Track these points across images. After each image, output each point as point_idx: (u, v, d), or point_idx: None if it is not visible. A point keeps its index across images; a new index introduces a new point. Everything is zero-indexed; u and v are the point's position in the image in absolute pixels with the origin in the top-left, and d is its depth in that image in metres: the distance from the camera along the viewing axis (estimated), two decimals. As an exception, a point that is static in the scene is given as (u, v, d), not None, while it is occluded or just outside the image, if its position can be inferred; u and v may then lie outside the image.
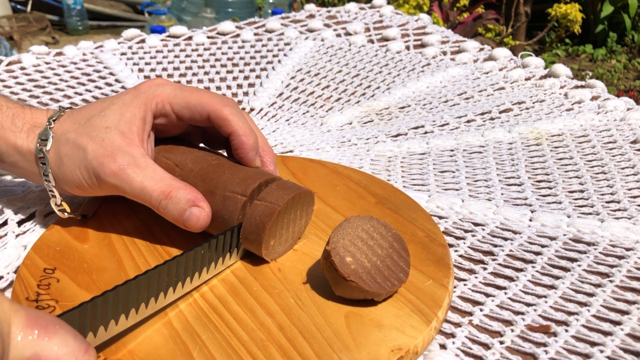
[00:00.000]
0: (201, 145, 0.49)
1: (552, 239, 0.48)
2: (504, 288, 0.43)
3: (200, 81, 0.80)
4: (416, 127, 0.68)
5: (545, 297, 0.42)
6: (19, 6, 3.57)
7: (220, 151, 0.49)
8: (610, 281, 0.43)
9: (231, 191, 0.41)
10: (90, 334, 0.33)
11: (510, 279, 0.44)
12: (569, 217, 0.51)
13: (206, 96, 0.44)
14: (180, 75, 0.82)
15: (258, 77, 0.82)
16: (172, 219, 0.41)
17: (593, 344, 0.38)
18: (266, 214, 0.39)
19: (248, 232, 0.40)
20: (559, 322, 0.40)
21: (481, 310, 0.41)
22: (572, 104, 0.72)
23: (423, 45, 0.92)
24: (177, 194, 0.41)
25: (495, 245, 0.48)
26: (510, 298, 0.42)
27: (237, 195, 0.41)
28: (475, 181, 0.57)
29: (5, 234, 0.48)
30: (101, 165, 0.41)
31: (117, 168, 0.41)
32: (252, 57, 0.88)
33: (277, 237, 0.41)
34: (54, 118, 0.44)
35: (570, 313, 0.41)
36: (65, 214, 0.45)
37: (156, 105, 0.44)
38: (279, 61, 0.86)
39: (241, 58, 0.87)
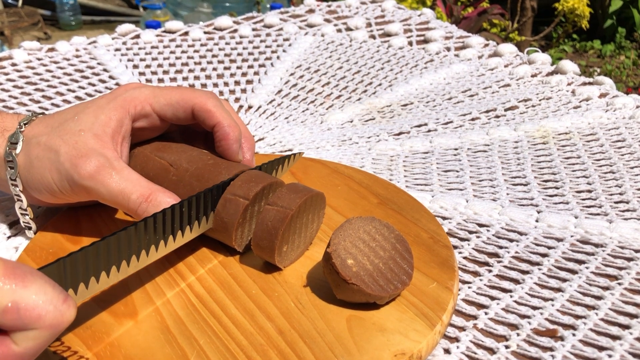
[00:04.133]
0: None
1: (559, 240, 0.48)
2: (510, 291, 0.43)
3: (196, 77, 0.80)
4: (419, 125, 0.68)
5: (552, 300, 0.42)
6: (10, 0, 3.57)
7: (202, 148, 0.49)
8: (619, 284, 0.44)
9: (233, 194, 0.41)
10: (70, 290, 0.33)
11: (516, 281, 0.44)
12: (576, 217, 0.51)
13: (187, 91, 0.45)
14: (176, 71, 0.82)
15: (256, 73, 0.82)
16: None
17: (601, 348, 0.38)
18: (278, 219, 0.39)
19: (260, 239, 0.40)
20: (566, 326, 0.40)
21: (486, 313, 0.41)
22: (580, 102, 0.72)
23: (426, 41, 0.92)
24: (157, 196, 0.41)
25: (501, 247, 0.48)
26: (516, 301, 0.42)
27: (239, 198, 0.41)
28: (480, 181, 0.57)
29: (-3, 236, 0.48)
30: (75, 167, 0.41)
31: (93, 169, 0.41)
32: (250, 53, 0.88)
33: (290, 242, 0.41)
34: (25, 122, 0.44)
35: (577, 316, 0.41)
36: (30, 222, 0.45)
37: (135, 108, 0.44)
38: (278, 57, 0.86)
39: (239, 54, 0.88)
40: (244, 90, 0.77)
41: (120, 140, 0.44)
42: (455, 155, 0.62)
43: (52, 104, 0.72)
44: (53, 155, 0.42)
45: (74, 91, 0.76)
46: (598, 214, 0.52)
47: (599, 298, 0.42)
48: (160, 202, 0.40)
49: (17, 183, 0.43)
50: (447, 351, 0.38)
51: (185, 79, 0.80)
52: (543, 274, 0.44)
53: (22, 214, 0.45)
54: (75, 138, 0.42)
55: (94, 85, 0.78)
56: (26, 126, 0.44)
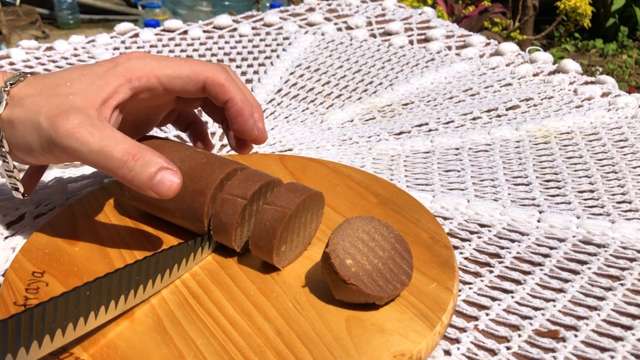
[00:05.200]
0: (188, 143, 0.49)
1: (561, 240, 0.48)
2: (511, 292, 0.43)
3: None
4: (420, 125, 0.68)
5: (553, 301, 0.42)
6: (7, -1, 3.57)
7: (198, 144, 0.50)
8: (622, 284, 0.43)
9: (230, 194, 0.41)
10: (59, 331, 0.33)
11: (518, 282, 0.44)
12: (578, 218, 0.51)
13: (197, 64, 0.42)
14: (175, 70, 0.82)
15: (256, 72, 0.82)
16: (139, 183, 0.38)
17: (603, 349, 0.38)
18: (277, 218, 0.39)
19: (258, 239, 0.40)
20: (568, 327, 0.40)
21: (487, 314, 0.41)
22: (582, 101, 0.72)
23: (427, 40, 0.92)
24: (145, 155, 0.38)
25: (502, 247, 0.47)
26: (517, 302, 0.42)
27: (237, 198, 0.40)
28: (481, 181, 0.57)
29: (-7, 236, 0.48)
30: (53, 125, 0.38)
31: (71, 126, 0.38)
32: (249, 52, 0.88)
33: (289, 242, 0.41)
34: (11, 82, 0.42)
35: (579, 317, 0.41)
36: (17, 183, 0.43)
37: (139, 80, 0.41)
38: (278, 56, 0.86)
39: (238, 53, 0.87)
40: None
41: (113, 106, 0.41)
42: (456, 155, 0.62)
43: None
44: (33, 115, 0.39)
45: None
46: (600, 214, 0.51)
47: (601, 299, 0.42)
48: (149, 160, 0.38)
49: (3, 144, 0.41)
50: (447, 352, 0.38)
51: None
52: (545, 274, 0.44)
53: (8, 175, 0.43)
54: (61, 99, 0.39)
55: (91, 84, 0.78)
56: (12, 86, 0.42)
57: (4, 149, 0.42)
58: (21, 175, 0.43)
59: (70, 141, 0.38)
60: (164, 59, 0.43)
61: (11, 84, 0.42)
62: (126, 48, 0.88)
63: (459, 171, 0.59)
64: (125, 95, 0.41)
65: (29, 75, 0.43)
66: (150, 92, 0.42)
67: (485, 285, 0.43)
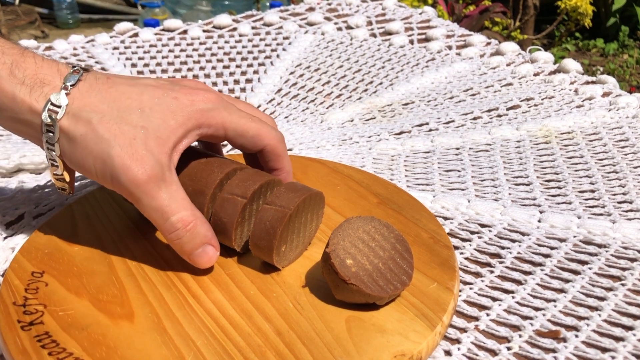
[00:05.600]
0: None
1: (561, 240, 0.48)
2: (512, 292, 0.43)
3: (195, 77, 0.80)
4: (420, 125, 0.68)
5: (554, 301, 0.42)
6: (7, -1, 3.57)
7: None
8: (622, 284, 0.43)
9: (230, 193, 0.41)
10: None
11: (518, 282, 0.44)
12: (579, 218, 0.51)
13: (263, 128, 0.43)
14: (175, 70, 0.82)
15: (256, 72, 0.82)
16: (181, 251, 0.40)
17: (604, 349, 0.38)
18: (277, 218, 0.39)
19: (258, 239, 0.40)
20: (568, 327, 0.40)
21: (488, 315, 0.41)
22: (583, 101, 0.72)
23: (427, 40, 0.92)
24: (196, 228, 0.39)
25: (503, 247, 0.47)
26: (518, 302, 0.42)
27: (236, 197, 0.40)
28: (482, 181, 0.57)
29: (-8, 236, 0.48)
30: (124, 167, 0.38)
31: (142, 177, 0.38)
32: (249, 52, 0.88)
33: (289, 242, 0.41)
34: (71, 82, 0.39)
35: (580, 318, 0.41)
36: (66, 186, 0.42)
37: (208, 128, 0.41)
38: (278, 56, 0.86)
39: (238, 53, 0.87)
40: (243, 90, 0.77)
41: (180, 151, 0.41)
42: (456, 154, 0.62)
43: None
44: (104, 143, 0.38)
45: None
46: (601, 214, 0.51)
47: (602, 299, 0.42)
48: (198, 233, 0.39)
49: (55, 148, 0.39)
50: (448, 353, 0.38)
51: (184, 77, 0.80)
52: (545, 274, 0.44)
53: (57, 179, 0.42)
54: (134, 132, 0.38)
55: (91, 83, 0.78)
56: (73, 88, 0.39)
57: (55, 153, 0.40)
58: (67, 176, 0.42)
59: (136, 191, 0.38)
60: (234, 112, 0.42)
61: (71, 85, 0.39)
62: (126, 48, 0.88)
63: (459, 171, 0.59)
64: (193, 140, 0.41)
65: (87, 72, 0.41)
66: (212, 138, 0.43)
67: (486, 286, 0.43)
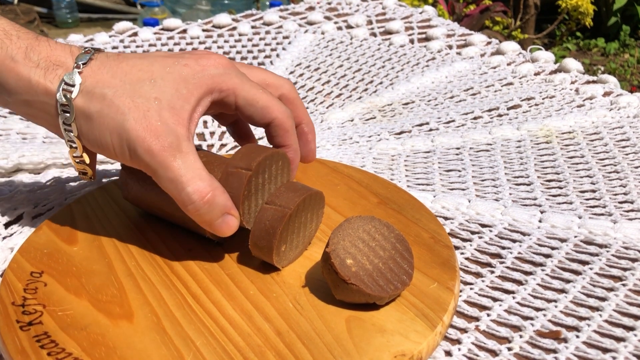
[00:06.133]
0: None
1: (562, 240, 0.48)
2: (512, 292, 0.43)
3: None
4: (420, 124, 0.68)
5: (555, 301, 0.42)
6: (5, -2, 3.57)
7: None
8: (623, 285, 0.43)
9: (234, 166, 0.40)
10: None
11: (519, 282, 0.44)
12: (580, 218, 0.51)
13: (272, 101, 0.42)
14: (174, 69, 0.82)
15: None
16: (201, 222, 0.39)
17: (605, 350, 0.38)
18: (276, 218, 0.39)
19: (258, 238, 0.40)
20: (569, 328, 0.40)
21: (488, 315, 0.41)
22: (584, 100, 0.72)
23: (428, 39, 0.92)
24: (215, 198, 0.38)
25: (503, 248, 0.47)
26: (518, 302, 0.42)
27: (241, 170, 0.40)
28: (483, 180, 0.57)
29: (-9, 236, 0.48)
30: (140, 139, 0.38)
31: (158, 148, 0.38)
32: (249, 51, 0.88)
33: (289, 242, 0.41)
34: (83, 61, 0.40)
35: (581, 318, 0.41)
36: (86, 168, 0.42)
37: (220, 93, 0.41)
38: (277, 55, 0.86)
39: (238, 52, 0.87)
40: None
41: (197, 121, 0.41)
42: (457, 154, 0.62)
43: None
44: (120, 117, 0.38)
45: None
46: (602, 214, 0.51)
47: (602, 299, 0.42)
48: (217, 204, 0.39)
49: (72, 129, 0.40)
50: (448, 353, 0.38)
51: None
52: (546, 275, 0.44)
53: (77, 162, 0.42)
54: (148, 105, 0.38)
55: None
56: (85, 67, 0.40)
57: (72, 134, 0.40)
58: (86, 158, 0.42)
59: (153, 161, 0.38)
60: (245, 79, 0.42)
61: (83, 64, 0.40)
62: (125, 47, 0.88)
63: (459, 171, 0.59)
64: (206, 107, 0.41)
65: (98, 52, 0.41)
66: (223, 106, 0.42)
67: (487, 286, 0.43)
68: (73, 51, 0.41)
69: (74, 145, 0.41)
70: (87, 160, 0.42)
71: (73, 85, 0.39)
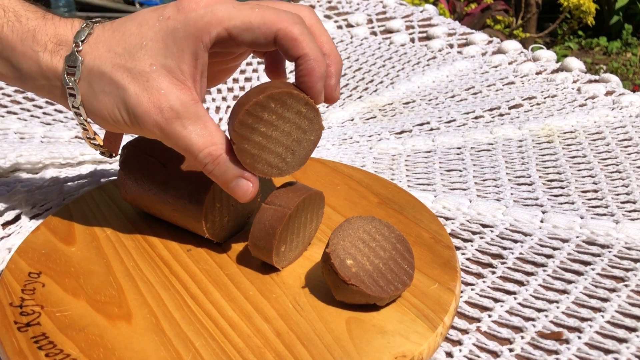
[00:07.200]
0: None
1: (564, 241, 0.48)
2: (514, 293, 0.43)
3: (193, 75, 0.80)
4: (421, 124, 0.68)
5: (557, 302, 0.42)
6: (3, -3, 3.57)
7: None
8: (626, 285, 0.43)
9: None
10: None
11: (521, 283, 0.44)
12: (582, 218, 0.51)
13: (269, 12, 0.38)
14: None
15: (255, 71, 0.82)
16: (217, 181, 0.40)
17: (607, 351, 0.38)
18: (276, 218, 0.39)
19: (257, 239, 0.40)
20: (571, 329, 0.40)
21: (489, 316, 0.41)
22: (586, 100, 0.72)
23: (429, 38, 0.92)
24: (226, 162, 0.39)
25: (505, 248, 0.47)
26: (520, 303, 0.42)
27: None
28: (484, 180, 0.57)
29: (-11, 236, 0.48)
30: (145, 113, 0.38)
31: (163, 120, 0.38)
32: (248, 50, 0.88)
33: (288, 242, 0.41)
34: (81, 38, 0.40)
35: (583, 319, 0.41)
36: (99, 148, 0.43)
37: (209, 35, 0.38)
38: (277, 54, 0.86)
39: (237, 51, 0.87)
40: (242, 88, 0.77)
41: (199, 76, 0.39)
42: (458, 154, 0.62)
43: (47, 102, 0.72)
44: (122, 92, 0.38)
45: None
46: (604, 214, 0.51)
47: (605, 300, 0.42)
48: (228, 167, 0.39)
49: (80, 111, 0.40)
50: (449, 354, 0.38)
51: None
52: (548, 275, 0.44)
53: (90, 142, 0.43)
54: (146, 75, 0.38)
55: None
56: (84, 44, 0.40)
57: (82, 117, 0.41)
58: (99, 140, 0.43)
59: (163, 134, 0.39)
60: (233, 7, 0.39)
61: (82, 41, 0.40)
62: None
63: (460, 171, 0.59)
64: (204, 59, 0.39)
65: (96, 24, 0.41)
66: (220, 44, 0.39)
67: (488, 287, 0.43)
68: (74, 26, 0.41)
69: (85, 128, 0.42)
70: (99, 141, 0.43)
71: (75, 67, 0.39)
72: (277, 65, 0.44)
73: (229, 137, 0.39)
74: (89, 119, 0.41)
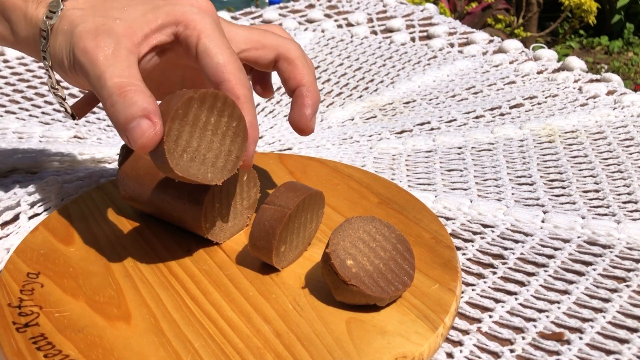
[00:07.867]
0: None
1: (565, 241, 0.48)
2: (515, 293, 0.43)
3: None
4: (422, 124, 0.68)
5: (558, 302, 0.42)
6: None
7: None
8: (627, 286, 0.43)
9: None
10: None
11: (522, 283, 0.44)
12: (583, 218, 0.51)
13: (231, 64, 0.38)
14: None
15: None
16: (117, 122, 0.36)
17: (609, 352, 0.38)
18: (276, 218, 0.39)
19: (257, 239, 0.40)
20: (572, 330, 0.40)
21: (490, 316, 0.41)
22: (587, 99, 0.72)
23: (429, 37, 0.92)
24: (134, 95, 0.35)
25: (506, 248, 0.47)
26: (521, 304, 0.42)
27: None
28: (485, 180, 0.57)
29: (-13, 236, 0.48)
30: (79, 38, 0.37)
31: (92, 45, 0.36)
32: (248, 49, 0.88)
33: (288, 243, 0.41)
34: None
35: (584, 320, 0.41)
36: (62, 102, 0.42)
37: (185, 29, 0.38)
38: (277, 53, 0.86)
39: (237, 50, 0.87)
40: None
41: (151, 45, 0.39)
42: (459, 154, 0.62)
43: (45, 102, 0.72)
44: (73, 28, 0.38)
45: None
46: (606, 215, 0.51)
47: (606, 301, 0.42)
48: (134, 101, 0.35)
49: (47, 56, 0.40)
50: (450, 355, 0.38)
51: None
52: (549, 275, 0.44)
53: (53, 92, 0.42)
54: (105, 21, 0.38)
55: (87, 82, 0.78)
56: None
57: (47, 62, 0.40)
58: (66, 93, 0.42)
59: (83, 58, 0.37)
60: (220, 29, 0.39)
61: None
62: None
63: (461, 170, 0.59)
64: (166, 37, 0.39)
65: None
66: (180, 46, 0.39)
67: (489, 287, 0.43)
68: None
69: (48, 74, 0.41)
70: (63, 95, 0.42)
71: (55, 12, 0.39)
72: (265, 79, 0.47)
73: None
74: (53, 66, 0.40)
